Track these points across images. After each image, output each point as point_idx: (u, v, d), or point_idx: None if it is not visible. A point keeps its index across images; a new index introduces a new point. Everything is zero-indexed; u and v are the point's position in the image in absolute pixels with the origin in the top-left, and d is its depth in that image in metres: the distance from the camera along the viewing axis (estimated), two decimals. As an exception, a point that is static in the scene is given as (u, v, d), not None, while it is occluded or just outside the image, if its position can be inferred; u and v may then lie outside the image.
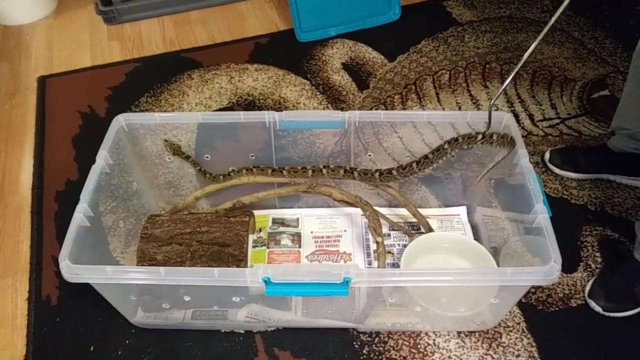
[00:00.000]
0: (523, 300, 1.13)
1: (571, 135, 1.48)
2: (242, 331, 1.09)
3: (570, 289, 1.15)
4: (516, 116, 1.53)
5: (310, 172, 1.15)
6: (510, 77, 0.95)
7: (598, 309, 1.10)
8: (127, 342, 1.09)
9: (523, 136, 1.12)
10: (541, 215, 0.92)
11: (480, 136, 1.06)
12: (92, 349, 1.08)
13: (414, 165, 1.10)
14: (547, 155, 1.39)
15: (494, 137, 1.06)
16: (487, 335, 1.08)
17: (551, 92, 1.61)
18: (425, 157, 1.10)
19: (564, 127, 1.51)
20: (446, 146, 1.08)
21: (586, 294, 1.13)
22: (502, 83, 1.12)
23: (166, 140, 1.15)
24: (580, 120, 1.52)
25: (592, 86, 1.62)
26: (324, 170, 1.15)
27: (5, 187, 1.43)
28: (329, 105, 1.61)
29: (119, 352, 1.07)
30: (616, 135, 1.30)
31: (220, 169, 1.19)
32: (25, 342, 1.10)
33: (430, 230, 1.20)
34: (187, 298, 1.00)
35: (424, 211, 1.23)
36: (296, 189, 1.19)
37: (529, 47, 0.89)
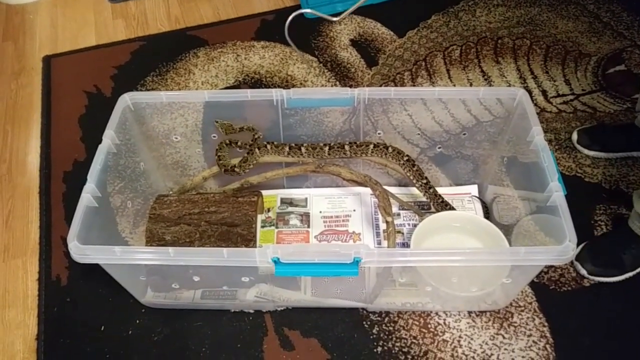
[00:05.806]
0: (535, 279, 1.11)
1: (585, 112, 1.45)
2: (251, 311, 1.10)
3: (583, 268, 1.14)
4: (529, 92, 1.48)
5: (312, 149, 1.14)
6: None
7: (583, 272, 1.09)
8: (137, 321, 1.09)
9: (537, 113, 1.10)
10: (556, 193, 0.90)
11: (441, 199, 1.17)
12: (102, 328, 1.09)
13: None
14: (574, 136, 1.35)
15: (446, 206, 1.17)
16: (498, 315, 1.07)
17: (565, 67, 1.57)
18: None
19: (578, 103, 1.47)
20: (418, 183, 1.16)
21: (574, 258, 1.11)
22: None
23: (217, 121, 1.13)
24: (594, 97, 1.49)
25: (607, 61, 1.58)
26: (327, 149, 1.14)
27: (13, 168, 1.43)
28: (337, 82, 1.58)
29: (129, 332, 1.08)
30: None
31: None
32: (37, 322, 1.11)
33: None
34: (196, 278, 0.99)
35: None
36: (304, 169, 1.18)
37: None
